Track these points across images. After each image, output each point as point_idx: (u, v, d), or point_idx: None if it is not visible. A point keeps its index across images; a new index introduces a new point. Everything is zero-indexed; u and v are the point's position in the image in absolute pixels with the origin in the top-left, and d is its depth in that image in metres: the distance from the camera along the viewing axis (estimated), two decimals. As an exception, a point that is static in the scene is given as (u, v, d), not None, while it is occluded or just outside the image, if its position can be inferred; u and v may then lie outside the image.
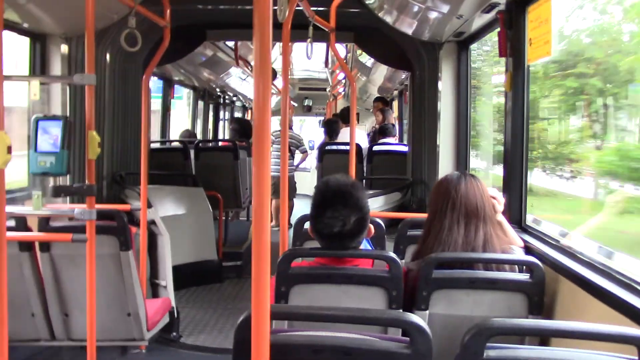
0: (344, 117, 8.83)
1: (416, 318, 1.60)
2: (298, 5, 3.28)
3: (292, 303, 2.33)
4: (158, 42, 4.28)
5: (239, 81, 10.19)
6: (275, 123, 10.74)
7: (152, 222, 4.48)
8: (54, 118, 3.02)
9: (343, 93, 12.24)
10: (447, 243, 2.47)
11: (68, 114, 4.41)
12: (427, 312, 2.42)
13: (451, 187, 2.52)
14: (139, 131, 4.73)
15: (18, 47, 4.41)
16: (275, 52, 8.30)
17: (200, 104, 10.54)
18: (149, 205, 4.35)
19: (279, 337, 1.60)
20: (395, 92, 9.92)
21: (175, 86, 8.96)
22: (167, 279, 4.50)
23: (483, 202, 2.51)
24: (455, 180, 2.54)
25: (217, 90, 10.95)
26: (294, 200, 9.23)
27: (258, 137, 1.42)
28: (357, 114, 13.52)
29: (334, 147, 7.84)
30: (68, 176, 3.83)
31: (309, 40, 3.82)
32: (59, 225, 3.42)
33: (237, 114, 13.70)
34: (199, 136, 10.46)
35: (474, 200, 2.49)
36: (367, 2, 4.68)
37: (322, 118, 14.95)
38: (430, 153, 5.20)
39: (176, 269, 4.79)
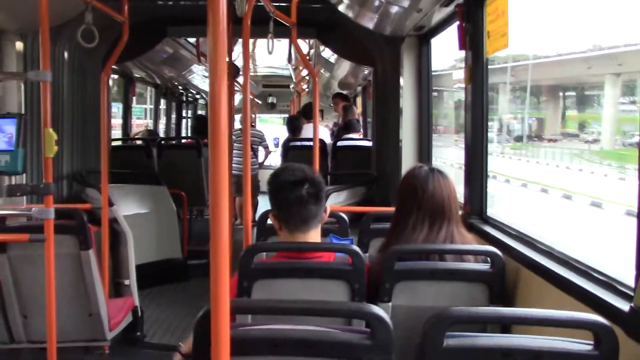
0: (306, 113, 8.83)
1: (376, 308, 1.60)
2: (258, 1, 3.26)
3: (255, 298, 2.32)
4: (117, 38, 4.22)
5: (202, 78, 10.10)
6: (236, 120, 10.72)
7: (114, 221, 4.42)
8: (9, 116, 2.96)
9: (307, 90, 12.27)
10: (408, 242, 2.48)
11: (24, 112, 4.31)
12: (390, 304, 2.43)
13: (418, 186, 2.49)
14: (99, 129, 4.66)
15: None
16: (238, 50, 8.28)
17: (163, 102, 10.43)
18: (111, 204, 4.29)
19: (239, 331, 1.59)
20: (359, 88, 9.95)
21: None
22: (130, 277, 4.44)
23: (450, 201, 2.50)
24: (422, 178, 2.51)
25: (180, 87, 10.84)
26: (258, 198, 9.19)
27: (214, 135, 1.40)
28: (321, 110, 13.58)
29: (298, 143, 7.82)
30: (25, 175, 3.75)
31: (270, 35, 3.80)
32: (16, 225, 3.35)
33: (201, 112, 13.59)
34: (162, 134, 10.36)
35: (441, 200, 2.48)
36: (328, -3, 4.68)
37: (286, 115, 14.93)
38: (393, 147, 5.23)
39: (140, 268, 4.73)
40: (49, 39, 2.87)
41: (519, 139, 18.20)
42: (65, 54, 4.96)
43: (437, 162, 4.93)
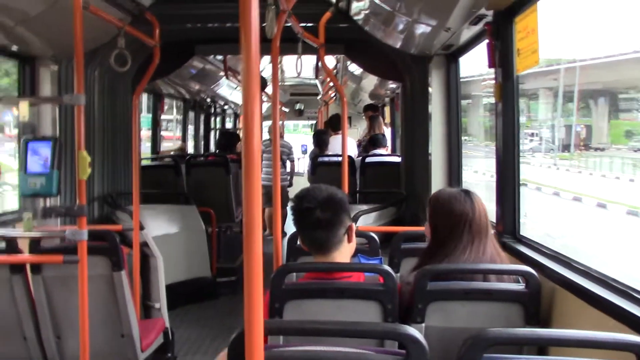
0: (334, 124, 8.84)
1: (411, 329, 1.59)
2: (287, 22, 3.29)
3: (286, 319, 2.31)
4: (147, 59, 4.29)
5: (230, 90, 10.19)
6: (264, 131, 10.74)
7: (145, 244, 4.45)
8: (44, 139, 3.01)
9: (334, 98, 12.32)
10: (458, 262, 2.46)
11: (58, 135, 4.39)
12: (423, 324, 2.40)
13: (466, 209, 2.50)
14: (130, 150, 4.71)
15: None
16: (265, 61, 8.34)
17: (191, 115, 10.55)
18: (141, 227, 4.32)
19: (274, 352, 1.58)
20: (387, 98, 9.94)
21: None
22: (160, 300, 4.46)
23: (487, 219, 2.53)
24: (466, 201, 2.52)
25: (208, 100, 10.95)
26: (287, 208, 9.20)
27: (248, 152, 1.40)
28: (349, 118, 13.63)
29: (326, 159, 7.83)
30: (59, 197, 3.80)
31: (298, 56, 3.84)
32: (50, 246, 3.39)
33: (228, 121, 13.70)
34: (190, 148, 10.44)
35: (485, 221, 2.51)
36: (355, 17, 4.70)
37: (314, 122, 15.02)
38: (422, 166, 5.20)
39: (170, 288, 4.75)
40: (83, 64, 2.93)
41: (565, 148, 17.34)
42: (97, 77, 5.05)
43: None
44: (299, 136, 18.32)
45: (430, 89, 4.86)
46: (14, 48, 4.16)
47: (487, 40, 3.37)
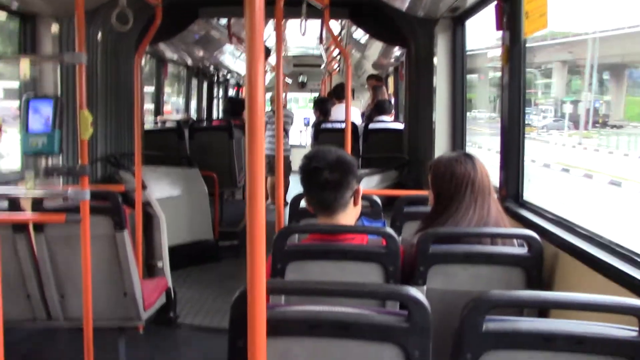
0: (338, 93, 8.76)
1: (414, 291, 1.58)
2: (291, -18, 3.24)
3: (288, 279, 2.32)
4: (150, 21, 4.23)
5: (233, 58, 10.10)
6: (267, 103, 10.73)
7: (147, 204, 4.46)
8: (45, 98, 2.99)
9: (338, 69, 12.21)
10: (462, 222, 2.46)
11: (60, 94, 4.36)
12: (425, 287, 2.41)
13: (468, 171, 2.49)
14: (133, 111, 4.69)
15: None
16: (269, 29, 8.24)
17: (194, 82, 10.48)
18: (144, 187, 4.32)
19: (275, 312, 1.58)
20: (391, 69, 9.86)
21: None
22: (163, 259, 4.48)
23: (489, 179, 2.52)
24: (467, 164, 2.52)
25: (211, 67, 10.87)
26: (290, 178, 9.19)
27: (252, 116, 1.38)
28: (352, 90, 13.58)
29: (330, 125, 7.79)
30: (61, 157, 3.80)
31: (302, 17, 3.78)
32: (53, 206, 3.40)
33: (231, 91, 13.63)
34: (193, 115, 10.41)
35: (487, 181, 2.50)
36: (361, -22, 4.63)
37: (316, 94, 15.00)
38: (426, 131, 5.17)
39: (172, 250, 4.77)
40: (84, 22, 2.89)
41: (579, 124, 16.89)
42: (99, 37, 4.99)
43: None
44: (303, 111, 18.17)
45: (435, 53, 4.80)
46: (14, 6, 4.10)
47: (494, 3, 3.32)
